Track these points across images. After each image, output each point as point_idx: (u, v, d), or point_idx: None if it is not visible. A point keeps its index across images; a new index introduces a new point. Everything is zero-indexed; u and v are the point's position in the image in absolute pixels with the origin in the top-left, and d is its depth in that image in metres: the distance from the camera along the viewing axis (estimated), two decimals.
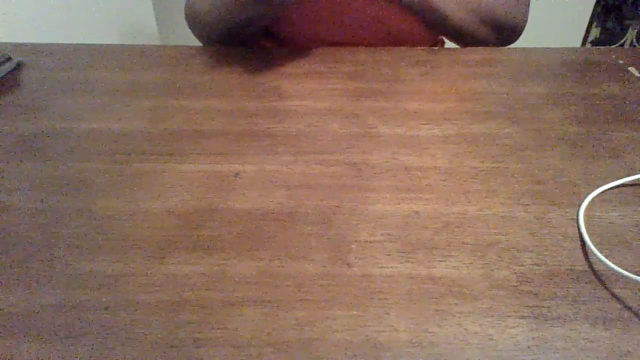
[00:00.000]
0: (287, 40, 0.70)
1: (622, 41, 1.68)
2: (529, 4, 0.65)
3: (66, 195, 0.41)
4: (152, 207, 0.40)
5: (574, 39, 1.63)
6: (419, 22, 0.64)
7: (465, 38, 0.64)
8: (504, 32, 0.65)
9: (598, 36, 1.70)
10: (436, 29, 0.66)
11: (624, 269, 0.33)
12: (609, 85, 0.54)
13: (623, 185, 0.41)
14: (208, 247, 0.37)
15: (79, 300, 0.33)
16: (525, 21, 0.66)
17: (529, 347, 0.30)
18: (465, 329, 0.31)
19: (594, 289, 0.34)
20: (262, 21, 0.61)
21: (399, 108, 0.51)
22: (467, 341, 0.31)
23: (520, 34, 0.67)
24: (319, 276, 0.34)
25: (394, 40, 0.66)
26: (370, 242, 0.37)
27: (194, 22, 0.64)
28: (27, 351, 0.30)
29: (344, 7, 0.65)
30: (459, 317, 0.32)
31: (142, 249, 0.36)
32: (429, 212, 0.39)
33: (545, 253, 0.36)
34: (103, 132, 0.48)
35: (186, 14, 0.65)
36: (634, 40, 1.68)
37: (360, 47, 0.62)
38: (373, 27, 0.66)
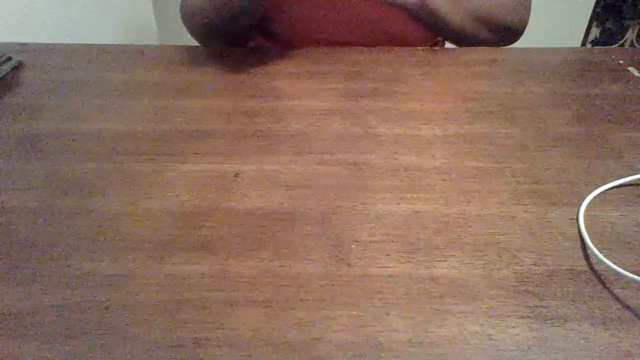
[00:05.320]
0: (285, 40, 0.70)
1: (622, 41, 1.68)
2: (529, 4, 0.65)
3: (66, 195, 0.41)
4: (152, 207, 0.40)
5: (574, 39, 1.63)
6: (417, 24, 0.63)
7: (464, 39, 0.64)
8: (504, 32, 0.65)
9: (598, 36, 1.70)
10: (435, 31, 0.66)
11: (624, 269, 0.33)
12: (609, 85, 0.54)
13: (623, 185, 0.41)
14: (208, 247, 0.37)
15: (79, 300, 0.33)
16: (526, 21, 0.66)
17: (529, 347, 0.30)
18: (465, 329, 0.31)
19: (594, 289, 0.34)
20: (251, 14, 0.60)
21: (399, 108, 0.51)
22: (467, 341, 0.31)
23: (521, 34, 0.67)
24: (319, 276, 0.34)
25: (392, 41, 0.66)
26: (370, 242, 0.37)
27: (187, 17, 0.64)
28: (27, 351, 0.30)
29: (342, 7, 0.65)
30: (459, 317, 0.32)
31: (142, 249, 0.36)
32: (429, 212, 0.39)
33: (545, 253, 0.36)
34: (103, 132, 0.48)
35: (181, 11, 0.65)
36: (634, 40, 1.68)
37: (360, 47, 0.62)
38: (371, 28, 0.66)
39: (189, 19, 0.64)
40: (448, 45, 0.75)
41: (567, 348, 0.30)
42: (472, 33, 0.63)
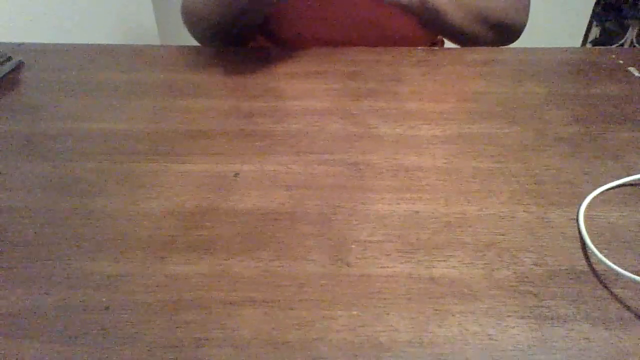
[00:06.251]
0: (285, 39, 0.70)
1: (622, 41, 1.68)
2: (528, 4, 0.65)
3: (66, 195, 0.41)
4: (152, 207, 0.40)
5: (574, 39, 1.63)
6: (416, 23, 0.64)
7: (463, 38, 0.64)
8: (503, 32, 0.65)
9: (598, 36, 1.70)
10: (434, 29, 0.66)
11: (624, 269, 0.33)
12: (609, 85, 0.54)
13: (623, 185, 0.41)
14: (208, 247, 0.37)
15: (79, 300, 0.33)
16: (525, 21, 0.66)
17: (529, 347, 0.30)
18: (465, 329, 0.31)
19: (594, 289, 0.34)
20: (253, 16, 0.61)
21: (399, 108, 0.51)
22: (467, 341, 0.31)
23: (520, 34, 0.67)
24: (319, 276, 0.34)
25: (392, 40, 0.66)
26: (370, 242, 0.37)
27: (189, 18, 0.64)
28: (27, 351, 0.30)
29: (342, 7, 0.65)
30: (459, 317, 0.32)
31: (142, 249, 0.36)
32: (429, 212, 0.39)
33: (545, 253, 0.36)
34: (103, 132, 0.48)
35: (182, 11, 0.65)
36: (634, 40, 1.68)
37: (360, 47, 0.62)
38: (371, 27, 0.66)
39: (191, 20, 0.64)
40: (448, 45, 0.75)
41: (567, 348, 0.30)
42: (471, 31, 0.63)
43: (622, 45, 1.68)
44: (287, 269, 0.35)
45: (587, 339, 0.31)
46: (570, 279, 0.34)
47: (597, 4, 1.58)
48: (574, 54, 0.61)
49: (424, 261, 0.35)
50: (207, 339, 0.31)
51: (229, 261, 0.36)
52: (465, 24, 0.62)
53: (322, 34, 0.67)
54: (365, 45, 0.62)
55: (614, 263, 0.34)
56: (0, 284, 0.34)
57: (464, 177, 0.42)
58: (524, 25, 0.66)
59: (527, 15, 0.66)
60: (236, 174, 0.43)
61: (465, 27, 0.63)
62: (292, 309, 0.32)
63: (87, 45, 0.64)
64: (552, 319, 0.32)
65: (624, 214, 0.39)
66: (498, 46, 0.65)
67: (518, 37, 0.67)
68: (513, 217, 0.39)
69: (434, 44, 0.76)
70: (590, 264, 0.35)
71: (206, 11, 0.61)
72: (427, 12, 0.61)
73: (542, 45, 0.62)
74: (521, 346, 0.30)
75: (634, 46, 1.68)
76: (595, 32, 1.69)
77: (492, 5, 0.63)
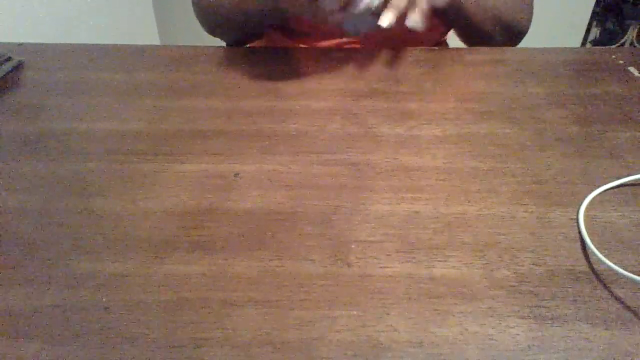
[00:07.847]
0: (300, 33, 0.70)
1: (622, 41, 1.68)
2: (532, 7, 0.66)
3: (66, 195, 0.41)
4: (152, 207, 0.40)
5: (574, 39, 1.63)
6: (432, 18, 0.63)
7: (476, 37, 0.64)
8: (510, 33, 0.65)
9: (598, 36, 1.70)
10: (451, 24, 0.66)
11: (624, 269, 0.33)
12: (609, 85, 0.54)
13: (623, 185, 0.41)
14: (208, 247, 0.37)
15: (79, 300, 0.33)
16: (529, 24, 0.66)
17: (529, 347, 0.30)
18: (465, 329, 0.31)
19: (594, 289, 0.34)
20: (277, 15, 0.61)
21: (399, 108, 0.51)
22: (467, 341, 0.31)
23: (523, 36, 0.67)
24: (319, 276, 0.34)
25: (401, 36, 0.66)
26: (370, 242, 0.37)
27: (204, 10, 0.64)
28: (27, 351, 0.30)
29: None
30: (459, 317, 0.32)
31: (142, 249, 0.36)
32: (429, 212, 0.39)
33: (545, 253, 0.36)
34: (103, 132, 0.48)
35: (195, 2, 0.65)
36: (634, 40, 1.68)
37: (360, 47, 0.62)
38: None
39: (206, 14, 0.64)
40: (450, 45, 0.75)
41: (567, 348, 0.30)
42: (484, 30, 0.63)
43: (622, 45, 1.68)
44: (287, 269, 0.35)
45: (587, 339, 0.31)
46: (571, 279, 0.34)
47: (597, 4, 1.58)
48: (574, 54, 0.61)
49: (424, 261, 0.35)
50: (207, 339, 0.31)
51: (229, 261, 0.36)
52: (480, 21, 0.62)
53: (337, 29, 0.67)
54: (372, 40, 0.61)
55: (614, 263, 0.34)
56: (0, 284, 0.34)
57: (464, 177, 0.42)
58: (526, 31, 0.66)
59: (531, 18, 0.66)
60: (236, 174, 0.43)
61: (480, 25, 0.62)
62: (292, 309, 0.32)
63: (87, 45, 0.64)
64: (552, 319, 0.32)
65: (624, 214, 0.39)
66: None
67: (521, 39, 0.67)
68: (513, 217, 0.39)
69: (438, 43, 0.76)
70: (590, 264, 0.35)
71: (225, 7, 0.60)
72: (450, 8, 0.60)
73: (542, 45, 0.62)
74: (521, 346, 0.30)
75: (634, 46, 1.68)
76: (595, 32, 1.69)
77: (504, 6, 0.63)
